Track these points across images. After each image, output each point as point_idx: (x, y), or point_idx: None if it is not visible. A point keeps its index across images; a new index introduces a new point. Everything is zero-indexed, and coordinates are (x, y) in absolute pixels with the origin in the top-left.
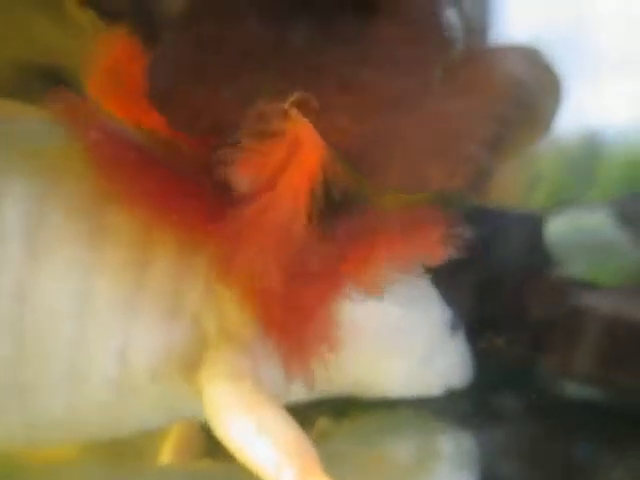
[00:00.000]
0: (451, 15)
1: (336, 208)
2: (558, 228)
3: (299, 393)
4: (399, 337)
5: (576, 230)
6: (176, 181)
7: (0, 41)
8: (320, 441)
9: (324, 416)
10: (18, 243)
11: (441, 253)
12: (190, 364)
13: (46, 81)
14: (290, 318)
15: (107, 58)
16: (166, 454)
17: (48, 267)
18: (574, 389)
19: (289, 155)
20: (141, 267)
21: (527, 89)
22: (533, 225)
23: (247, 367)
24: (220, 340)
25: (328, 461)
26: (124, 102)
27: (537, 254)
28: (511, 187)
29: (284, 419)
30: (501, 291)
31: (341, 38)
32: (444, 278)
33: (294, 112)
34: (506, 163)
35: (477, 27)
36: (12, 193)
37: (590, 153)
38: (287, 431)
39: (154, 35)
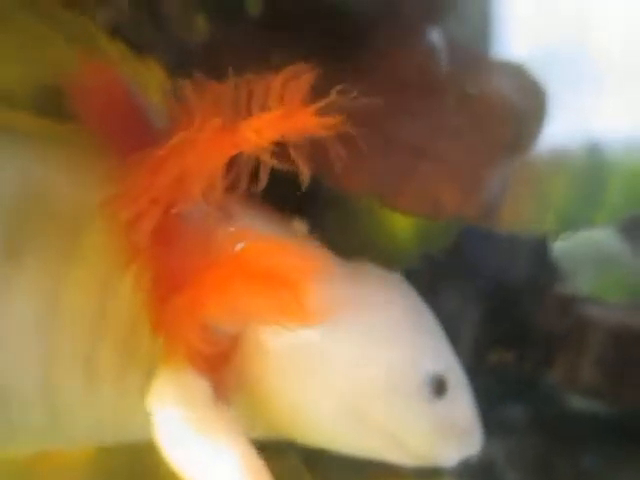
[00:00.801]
0: (436, 38)
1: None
2: (564, 243)
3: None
4: (322, 375)
5: (582, 244)
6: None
7: (25, 62)
8: None
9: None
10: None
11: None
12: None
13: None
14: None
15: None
16: None
17: (21, 279)
18: (580, 402)
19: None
20: (106, 285)
21: (516, 109)
22: (539, 240)
23: (198, 385)
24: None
25: None
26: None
27: (544, 269)
28: (521, 212)
29: (237, 444)
30: (510, 306)
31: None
32: (452, 293)
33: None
34: (516, 189)
35: (479, 41)
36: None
37: (594, 164)
38: (241, 458)
39: (180, 64)
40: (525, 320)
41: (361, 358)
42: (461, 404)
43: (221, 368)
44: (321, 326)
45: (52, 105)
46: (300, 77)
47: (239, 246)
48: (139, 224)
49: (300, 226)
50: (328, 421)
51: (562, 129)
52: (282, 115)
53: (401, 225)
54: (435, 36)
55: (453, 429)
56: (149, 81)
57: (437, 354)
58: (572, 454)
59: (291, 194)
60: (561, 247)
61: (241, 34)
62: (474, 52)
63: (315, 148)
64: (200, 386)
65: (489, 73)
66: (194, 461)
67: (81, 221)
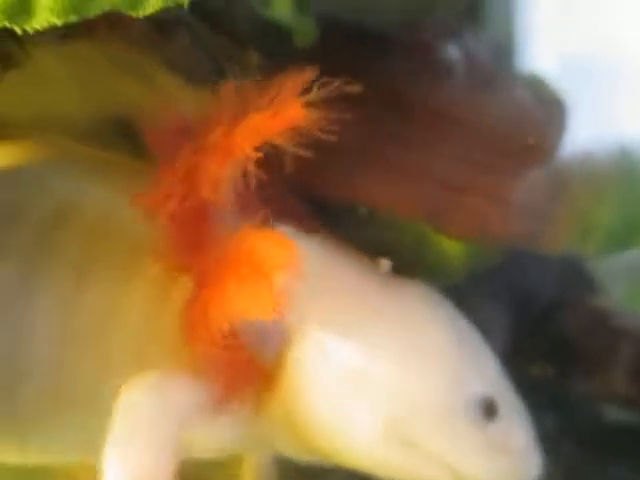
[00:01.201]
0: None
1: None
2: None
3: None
4: (366, 399)
5: (616, 255)
6: None
7: (88, 96)
8: None
9: None
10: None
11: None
12: None
13: (122, 132)
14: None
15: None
16: None
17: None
18: (615, 413)
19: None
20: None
21: (536, 122)
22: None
23: (177, 396)
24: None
25: None
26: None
27: (579, 281)
28: (565, 235)
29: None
30: (547, 320)
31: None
32: (491, 309)
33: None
34: (556, 211)
35: (507, 50)
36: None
37: (627, 172)
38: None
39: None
40: (563, 333)
41: (405, 381)
42: (514, 426)
43: (259, 387)
44: (366, 349)
45: (108, 134)
46: (296, 79)
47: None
48: (162, 215)
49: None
50: (374, 446)
51: (594, 135)
52: (272, 114)
53: (449, 243)
54: (454, 54)
55: (507, 452)
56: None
57: (484, 375)
58: (608, 465)
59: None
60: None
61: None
62: (493, 67)
63: (363, 173)
64: (177, 398)
65: (508, 88)
66: (109, 449)
67: (139, 244)
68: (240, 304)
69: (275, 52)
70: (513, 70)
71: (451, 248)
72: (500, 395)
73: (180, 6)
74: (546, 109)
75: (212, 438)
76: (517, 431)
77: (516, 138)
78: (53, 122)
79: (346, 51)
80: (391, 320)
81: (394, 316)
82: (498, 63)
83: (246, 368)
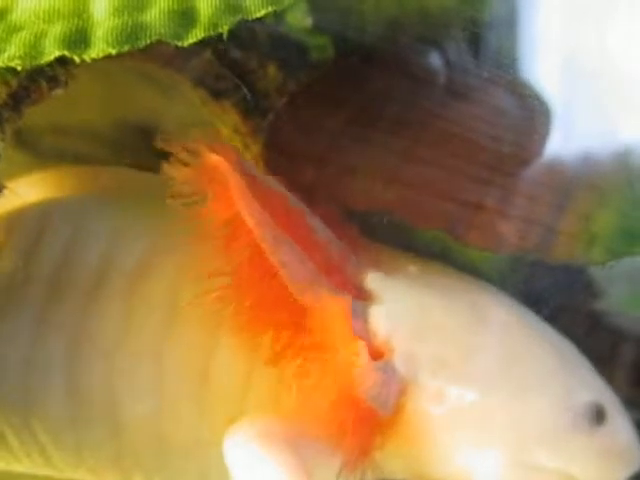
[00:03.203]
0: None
1: None
2: None
3: None
4: (485, 433)
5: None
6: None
7: (110, 104)
8: None
9: None
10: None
11: None
12: None
13: (141, 139)
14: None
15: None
16: None
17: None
18: None
19: None
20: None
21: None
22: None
23: (280, 431)
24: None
25: None
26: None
27: (580, 286)
28: (571, 245)
29: None
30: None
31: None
32: None
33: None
34: (567, 221)
35: (508, 55)
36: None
37: (628, 179)
38: None
39: (255, 108)
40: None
41: (521, 410)
42: (620, 425)
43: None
44: (478, 387)
45: (128, 142)
46: None
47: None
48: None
49: None
50: (494, 474)
51: (593, 138)
52: None
53: (480, 257)
54: (438, 61)
55: (618, 450)
56: (226, 122)
57: (587, 381)
58: None
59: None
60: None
61: (309, 81)
62: (475, 72)
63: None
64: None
65: (491, 92)
66: None
67: None
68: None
69: (293, 66)
70: (498, 77)
71: (476, 254)
72: (604, 397)
73: (219, 35)
74: (530, 115)
75: (329, 477)
76: (623, 428)
77: (501, 149)
78: (76, 130)
79: (358, 68)
80: (494, 349)
81: (495, 344)
82: (481, 71)
83: (371, 430)
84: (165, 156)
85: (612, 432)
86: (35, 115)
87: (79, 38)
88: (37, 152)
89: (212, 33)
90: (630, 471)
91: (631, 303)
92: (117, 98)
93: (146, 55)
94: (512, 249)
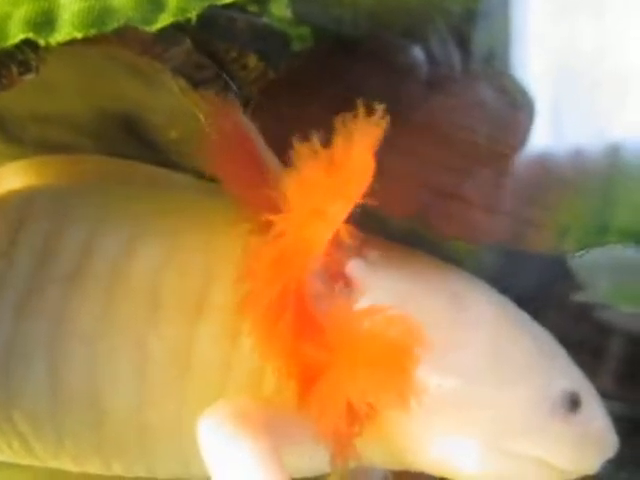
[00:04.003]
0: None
1: None
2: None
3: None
4: (463, 421)
5: (599, 251)
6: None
7: (93, 94)
8: None
9: None
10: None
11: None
12: None
13: (123, 128)
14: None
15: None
16: None
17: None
18: None
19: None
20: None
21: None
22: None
23: (259, 416)
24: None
25: None
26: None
27: (561, 278)
28: (544, 236)
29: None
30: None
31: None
32: None
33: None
34: (539, 213)
35: (499, 51)
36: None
37: (613, 167)
38: None
39: (235, 97)
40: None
41: (499, 398)
42: (595, 411)
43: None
44: (460, 377)
45: (111, 132)
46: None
47: (360, 322)
48: (253, 303)
49: None
50: (473, 462)
51: (583, 132)
52: (349, 184)
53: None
54: (417, 53)
55: (592, 437)
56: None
57: (563, 370)
58: None
59: None
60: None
61: (288, 70)
62: (456, 64)
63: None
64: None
65: (472, 85)
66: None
67: (210, 277)
68: (379, 396)
69: (274, 56)
70: (479, 70)
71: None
72: (579, 384)
73: (188, 20)
74: (513, 110)
75: (308, 462)
76: (598, 416)
77: (477, 140)
78: (57, 119)
79: (337, 58)
80: (474, 339)
81: (475, 333)
82: (463, 64)
83: (359, 422)
84: (149, 146)
85: (587, 420)
86: (18, 105)
87: (45, 20)
88: (21, 142)
89: (181, 18)
90: (604, 458)
91: (613, 295)
92: (100, 88)
93: (124, 42)
94: (485, 240)
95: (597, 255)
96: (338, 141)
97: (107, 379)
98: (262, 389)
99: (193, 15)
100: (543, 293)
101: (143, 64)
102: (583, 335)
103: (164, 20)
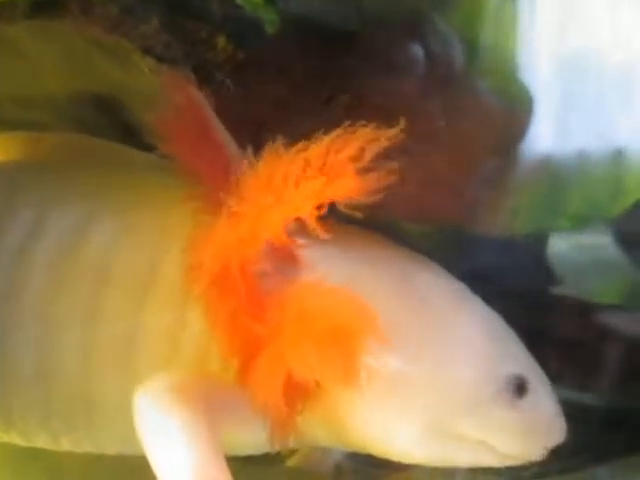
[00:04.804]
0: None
1: None
2: (560, 248)
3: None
4: (403, 398)
5: (578, 249)
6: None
7: (68, 75)
8: None
9: None
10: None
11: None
12: None
13: (99, 110)
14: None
15: (172, 100)
16: None
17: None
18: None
19: None
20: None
21: (498, 114)
22: (536, 246)
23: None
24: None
25: None
26: (183, 142)
27: (540, 273)
28: (495, 217)
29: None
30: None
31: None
32: None
33: None
34: (493, 193)
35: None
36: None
37: (617, 169)
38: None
39: (205, 78)
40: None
41: (438, 378)
42: (543, 397)
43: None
44: (401, 353)
45: (89, 113)
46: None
47: (308, 300)
48: (199, 276)
49: None
50: (414, 442)
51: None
52: (326, 183)
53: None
54: (418, 50)
55: (539, 424)
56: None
57: (511, 355)
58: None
59: None
60: (558, 252)
61: (259, 52)
62: (457, 62)
63: None
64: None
65: (472, 81)
66: (159, 452)
67: (162, 254)
68: (325, 372)
69: (244, 38)
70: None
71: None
72: (527, 369)
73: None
74: (511, 102)
75: (250, 439)
76: (546, 401)
77: (431, 122)
78: (33, 100)
79: (308, 42)
80: (420, 319)
81: (421, 313)
82: (460, 61)
83: (299, 398)
84: (125, 127)
85: (534, 406)
86: None
87: None
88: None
89: None
90: (551, 445)
91: (596, 291)
92: (77, 70)
93: (92, 19)
94: (434, 221)
95: (576, 252)
96: (313, 136)
97: (54, 354)
98: (209, 365)
99: None
100: (521, 288)
101: (114, 44)
102: (551, 325)
103: None
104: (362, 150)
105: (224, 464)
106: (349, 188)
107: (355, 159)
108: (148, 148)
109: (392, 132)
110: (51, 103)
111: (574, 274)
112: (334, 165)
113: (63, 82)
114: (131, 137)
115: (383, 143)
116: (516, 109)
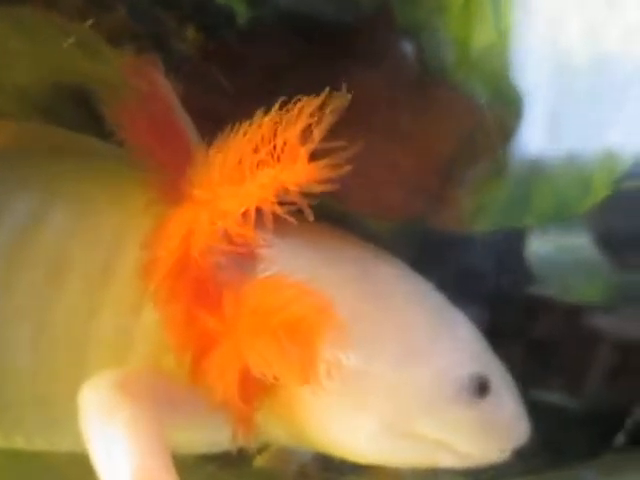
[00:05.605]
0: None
1: None
2: (539, 248)
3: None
4: (360, 398)
5: (556, 249)
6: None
7: (37, 65)
8: None
9: None
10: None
11: None
12: None
13: (73, 101)
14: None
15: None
16: None
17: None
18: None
19: None
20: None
21: (481, 113)
22: (514, 245)
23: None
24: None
25: None
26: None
27: (519, 273)
28: (458, 214)
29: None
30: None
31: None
32: None
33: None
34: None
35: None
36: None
37: (584, 165)
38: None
39: (173, 69)
40: (498, 323)
41: (397, 377)
42: (505, 397)
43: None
44: (360, 353)
45: (60, 104)
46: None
47: (265, 295)
48: (155, 268)
49: None
50: (371, 441)
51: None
52: (279, 170)
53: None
54: (406, 47)
55: (499, 424)
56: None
57: (473, 353)
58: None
59: None
60: (536, 252)
61: (229, 41)
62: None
63: None
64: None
65: (438, 78)
66: (100, 448)
67: (118, 246)
68: (281, 367)
69: (215, 29)
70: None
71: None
72: (489, 369)
73: None
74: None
75: (204, 436)
76: (508, 402)
77: (396, 119)
78: (9, 91)
79: (277, 33)
80: (379, 316)
81: (381, 311)
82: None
83: (255, 394)
84: (98, 119)
85: (494, 406)
86: None
87: None
88: None
89: None
90: (512, 446)
91: (578, 291)
92: (45, 58)
93: (55, 6)
94: (396, 217)
95: (553, 252)
96: (272, 124)
97: (6, 347)
98: (163, 362)
99: None
100: (499, 287)
101: (81, 33)
102: (521, 323)
103: None
104: (309, 127)
105: (168, 461)
106: (302, 175)
107: (304, 139)
108: (120, 140)
109: (335, 104)
110: (19, 92)
111: (555, 274)
112: (284, 148)
113: (31, 71)
114: (100, 127)
115: (329, 118)
116: (503, 108)
